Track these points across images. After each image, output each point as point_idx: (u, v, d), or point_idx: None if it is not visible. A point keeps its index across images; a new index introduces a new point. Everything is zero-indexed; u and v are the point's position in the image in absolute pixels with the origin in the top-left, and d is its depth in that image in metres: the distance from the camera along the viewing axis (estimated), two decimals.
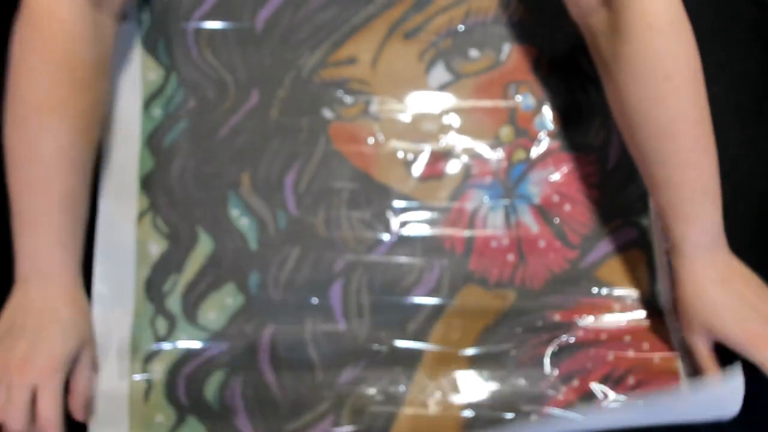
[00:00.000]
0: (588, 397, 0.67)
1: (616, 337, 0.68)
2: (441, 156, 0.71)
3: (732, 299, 0.63)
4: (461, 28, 0.73)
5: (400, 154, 0.71)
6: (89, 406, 0.63)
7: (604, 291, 0.70)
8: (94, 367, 0.64)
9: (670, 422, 0.62)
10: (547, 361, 0.68)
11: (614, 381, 0.67)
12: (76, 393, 0.61)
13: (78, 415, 0.61)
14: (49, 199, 0.60)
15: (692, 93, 0.62)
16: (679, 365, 0.67)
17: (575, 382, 0.67)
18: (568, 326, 0.69)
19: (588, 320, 0.69)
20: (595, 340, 0.68)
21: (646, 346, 0.68)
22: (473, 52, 0.73)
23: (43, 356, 0.59)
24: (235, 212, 0.69)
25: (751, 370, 0.61)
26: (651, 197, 0.70)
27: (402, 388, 0.67)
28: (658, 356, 0.68)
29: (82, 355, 0.62)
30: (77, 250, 0.63)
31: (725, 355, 0.65)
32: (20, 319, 0.60)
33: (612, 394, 0.67)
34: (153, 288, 0.67)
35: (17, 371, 0.58)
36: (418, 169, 0.71)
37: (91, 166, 0.64)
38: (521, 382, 0.67)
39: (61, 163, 0.61)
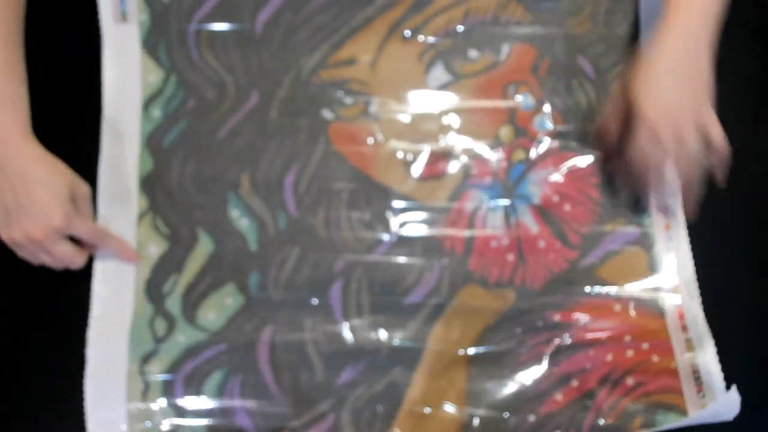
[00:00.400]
0: (587, 397, 0.67)
1: (616, 337, 0.68)
2: (440, 156, 0.71)
3: (667, 78, 0.66)
4: (460, 28, 0.73)
5: (400, 155, 0.71)
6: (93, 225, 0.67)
7: (605, 291, 0.70)
8: (87, 199, 0.67)
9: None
10: (546, 361, 0.68)
11: (613, 382, 0.67)
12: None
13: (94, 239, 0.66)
14: None
15: None
16: (678, 363, 0.67)
17: (574, 383, 0.67)
18: (567, 326, 0.69)
19: (588, 320, 0.69)
20: (595, 340, 0.68)
21: (645, 346, 0.68)
22: (472, 53, 0.73)
23: (54, 218, 0.63)
24: (235, 213, 0.69)
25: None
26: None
27: (402, 387, 0.67)
28: (656, 356, 0.68)
29: (76, 193, 0.65)
30: (21, 114, 0.64)
31: (729, 357, 0.65)
32: (8, 199, 0.63)
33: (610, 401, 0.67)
34: (153, 289, 0.67)
35: (41, 238, 0.63)
36: (417, 169, 0.71)
37: (19, 40, 0.66)
38: (521, 382, 0.67)
39: None
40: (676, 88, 0.66)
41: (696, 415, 0.66)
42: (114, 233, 0.67)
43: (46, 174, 0.63)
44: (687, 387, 0.67)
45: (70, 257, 0.65)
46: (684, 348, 0.68)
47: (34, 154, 0.64)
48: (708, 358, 0.67)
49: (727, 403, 0.64)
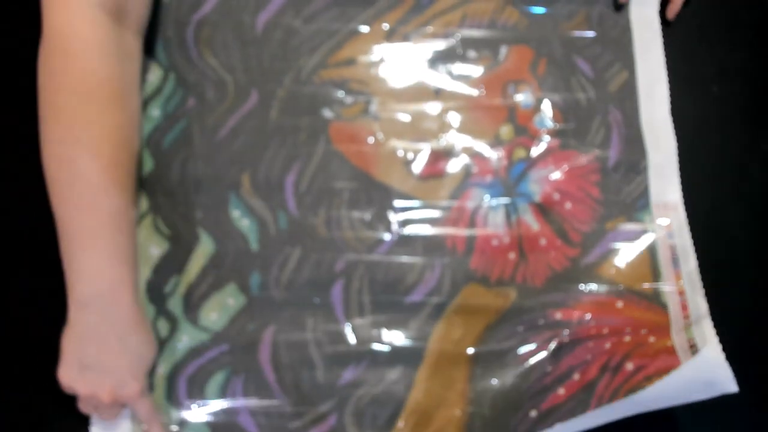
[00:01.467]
0: (588, 388, 0.67)
1: (616, 331, 0.68)
2: (441, 155, 0.71)
3: None
4: (458, 30, 0.74)
5: (400, 153, 0.71)
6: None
7: (606, 288, 0.70)
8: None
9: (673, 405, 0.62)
10: (548, 358, 0.68)
11: (613, 369, 0.67)
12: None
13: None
14: (97, 218, 0.59)
15: None
16: (674, 341, 0.67)
17: (576, 376, 0.67)
18: (569, 323, 0.69)
19: (590, 317, 0.69)
20: (596, 335, 0.68)
21: (643, 331, 0.68)
22: (471, 53, 0.73)
23: (127, 389, 0.61)
24: (235, 213, 0.69)
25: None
26: None
27: (404, 387, 0.67)
28: (653, 337, 0.67)
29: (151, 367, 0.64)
30: (133, 269, 0.61)
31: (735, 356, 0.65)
32: (92, 354, 0.60)
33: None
34: (154, 289, 0.67)
35: (107, 400, 0.60)
36: (418, 168, 0.71)
37: (134, 183, 0.63)
38: (523, 379, 0.67)
39: (104, 181, 0.59)
40: None
41: (675, 379, 0.60)
42: (160, 423, 0.64)
43: (140, 346, 0.61)
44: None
45: (111, 417, 0.63)
46: (681, 328, 0.68)
47: (137, 322, 0.61)
48: (704, 331, 0.66)
49: (708, 366, 0.59)
